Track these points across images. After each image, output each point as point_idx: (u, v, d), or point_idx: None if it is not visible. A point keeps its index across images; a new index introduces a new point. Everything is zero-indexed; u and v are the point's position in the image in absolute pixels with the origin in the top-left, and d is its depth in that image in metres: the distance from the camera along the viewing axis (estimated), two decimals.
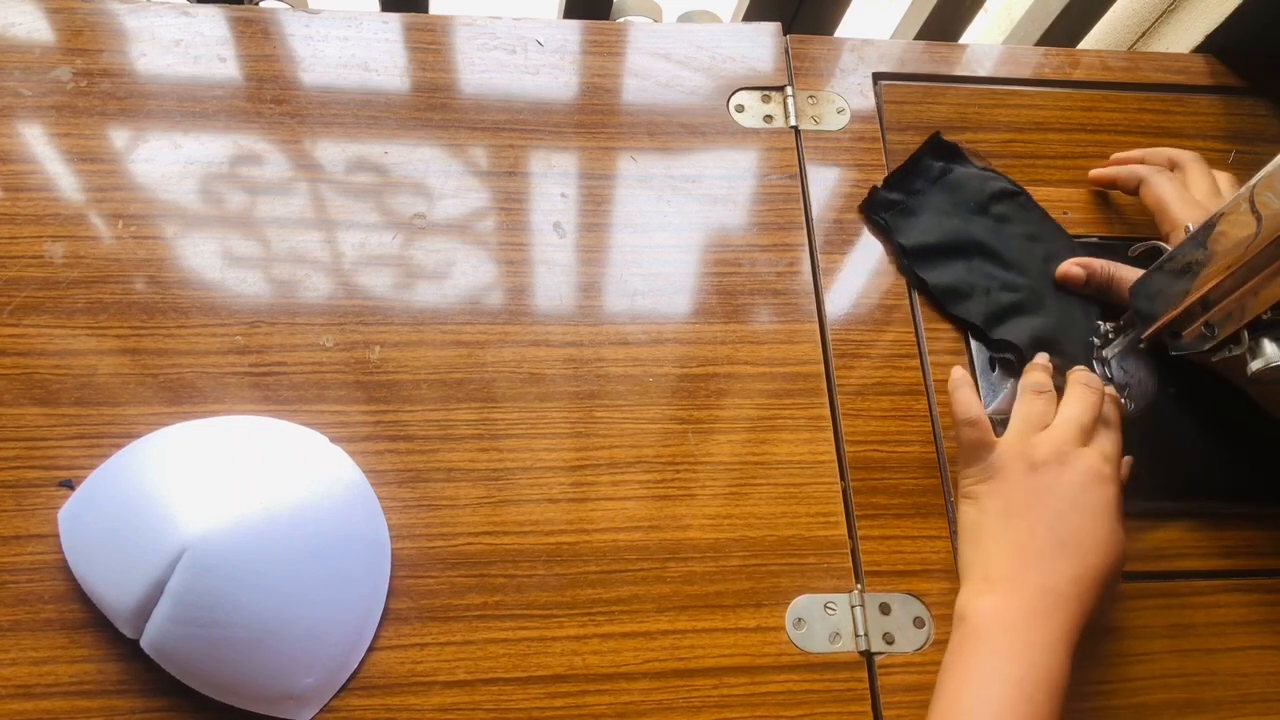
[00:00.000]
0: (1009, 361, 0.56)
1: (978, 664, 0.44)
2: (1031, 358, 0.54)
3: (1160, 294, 0.51)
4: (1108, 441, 0.49)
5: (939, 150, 0.62)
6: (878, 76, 0.66)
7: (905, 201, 0.60)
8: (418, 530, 0.49)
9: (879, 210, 0.60)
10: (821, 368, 0.56)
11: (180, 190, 0.56)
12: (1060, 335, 0.56)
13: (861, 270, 0.59)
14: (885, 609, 0.50)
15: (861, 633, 0.49)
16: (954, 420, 0.51)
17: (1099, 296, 0.58)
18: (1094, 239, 0.61)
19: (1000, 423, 0.54)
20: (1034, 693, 0.42)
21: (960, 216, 0.59)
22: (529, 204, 0.59)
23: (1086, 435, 0.49)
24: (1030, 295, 0.57)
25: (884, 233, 0.60)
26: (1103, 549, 0.46)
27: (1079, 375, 0.52)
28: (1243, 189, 0.44)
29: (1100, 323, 0.57)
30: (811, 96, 0.64)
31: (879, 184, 0.60)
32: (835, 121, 0.63)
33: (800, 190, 0.61)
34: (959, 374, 0.52)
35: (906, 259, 0.58)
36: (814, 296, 0.58)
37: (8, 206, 0.54)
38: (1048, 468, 0.47)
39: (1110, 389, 0.52)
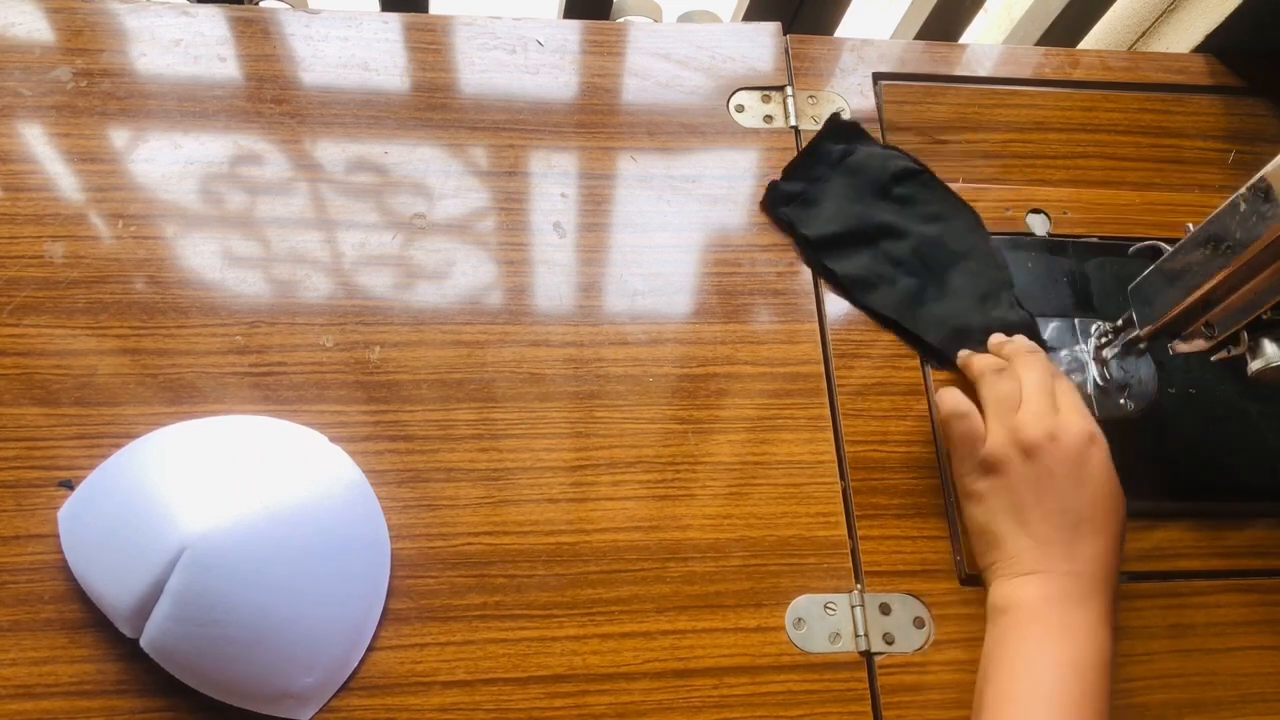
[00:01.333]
0: None
1: (1025, 650, 0.45)
2: (953, 349, 0.55)
3: (1160, 294, 0.51)
4: (1072, 395, 0.50)
5: (838, 132, 0.61)
6: (878, 76, 0.66)
7: (806, 191, 0.59)
8: (418, 530, 0.49)
9: (779, 204, 0.59)
10: (821, 368, 0.56)
11: (180, 190, 0.56)
12: (970, 318, 0.56)
13: None
14: (885, 609, 0.50)
15: (861, 633, 0.49)
16: (941, 417, 0.51)
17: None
18: (1094, 239, 0.61)
19: None
20: (1085, 671, 0.43)
21: (863, 201, 0.59)
22: (529, 204, 0.59)
23: (1053, 397, 0.49)
24: (935, 280, 0.57)
25: (788, 227, 0.59)
26: (1114, 513, 0.47)
27: (1014, 345, 0.53)
28: (1243, 189, 0.44)
29: (1100, 323, 0.57)
30: (811, 96, 0.64)
31: (777, 178, 0.60)
32: None
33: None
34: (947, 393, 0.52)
35: (811, 250, 0.58)
36: (814, 296, 0.58)
37: (8, 206, 0.54)
38: (1040, 449, 0.48)
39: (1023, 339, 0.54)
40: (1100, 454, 0.48)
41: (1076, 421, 0.48)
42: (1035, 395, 0.49)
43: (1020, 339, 0.54)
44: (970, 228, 0.60)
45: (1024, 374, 0.51)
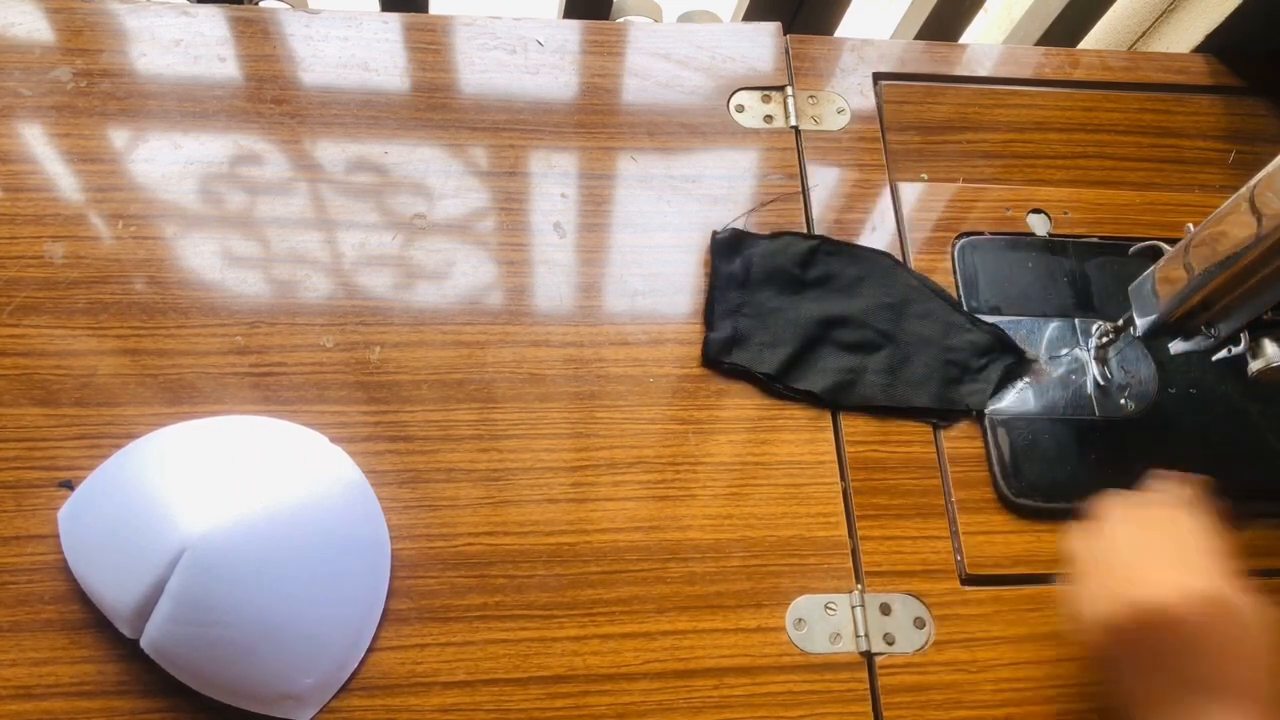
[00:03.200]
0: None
1: None
2: (952, 403, 0.54)
3: (1160, 294, 0.51)
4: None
5: (725, 248, 0.57)
6: (878, 76, 0.66)
7: (736, 330, 0.55)
8: (418, 530, 0.49)
9: (721, 357, 0.55)
10: None
11: (180, 190, 0.56)
12: (946, 359, 0.55)
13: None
14: (886, 609, 0.50)
15: (862, 633, 0.49)
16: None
17: None
18: (1094, 239, 0.61)
19: (1002, 422, 0.54)
20: None
21: (791, 305, 0.56)
22: (529, 204, 0.59)
23: None
24: (895, 343, 0.56)
25: (743, 373, 0.55)
26: None
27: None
28: (1243, 189, 0.44)
29: (1100, 323, 0.57)
30: (812, 96, 0.64)
31: (708, 333, 0.55)
32: (835, 121, 0.63)
33: (800, 190, 0.61)
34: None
35: (779, 383, 0.54)
36: None
37: (8, 206, 0.54)
38: None
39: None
40: None
41: None
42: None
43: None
44: (886, 270, 0.58)
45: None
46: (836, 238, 0.59)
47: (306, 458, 0.49)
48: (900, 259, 0.59)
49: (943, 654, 0.49)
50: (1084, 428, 0.55)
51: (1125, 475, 0.53)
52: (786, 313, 0.56)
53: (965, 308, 0.58)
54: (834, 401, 0.54)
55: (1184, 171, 0.65)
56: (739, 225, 0.58)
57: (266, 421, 0.50)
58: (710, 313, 0.56)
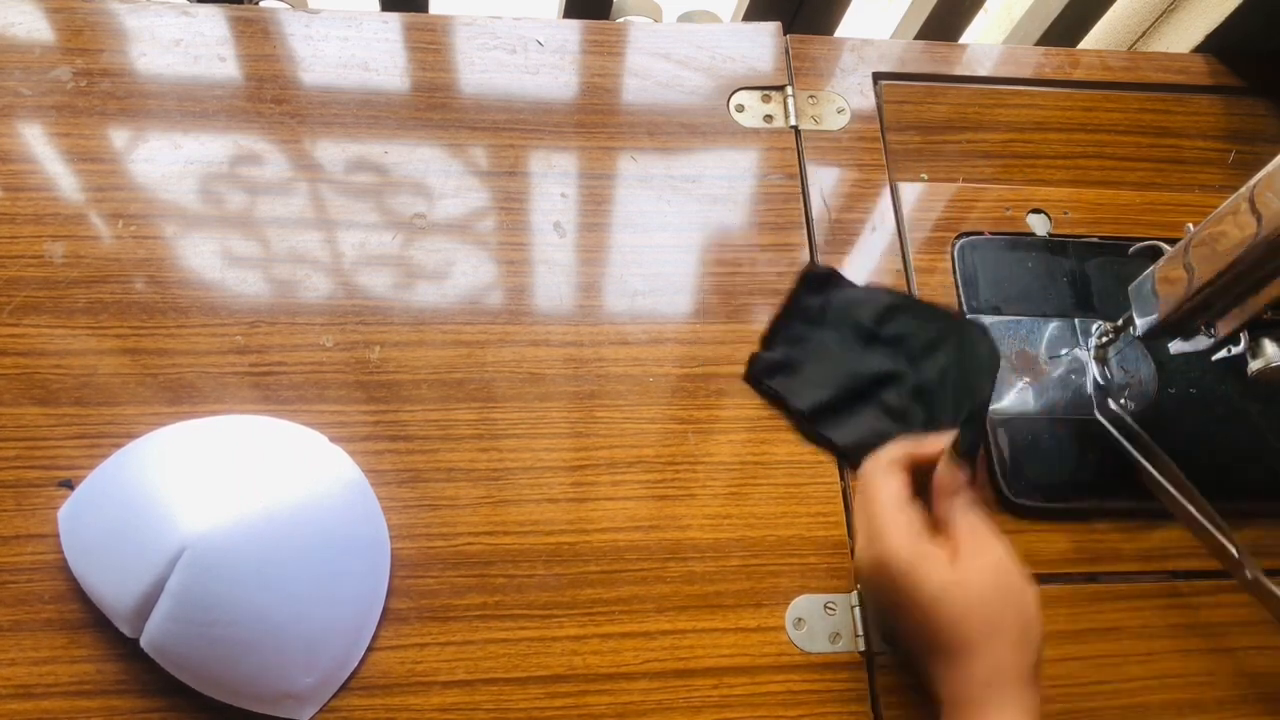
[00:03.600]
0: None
1: None
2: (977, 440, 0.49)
3: (1160, 294, 0.51)
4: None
5: (814, 282, 0.56)
6: (878, 76, 0.66)
7: (789, 357, 0.54)
8: (418, 530, 0.49)
9: (764, 377, 0.54)
10: None
11: (180, 190, 0.56)
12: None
13: (861, 270, 0.59)
14: None
15: (862, 633, 0.49)
16: None
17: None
18: (1094, 239, 0.61)
19: (1002, 422, 0.54)
20: None
21: (852, 353, 0.53)
22: (529, 204, 0.59)
23: None
24: (933, 419, 0.52)
25: (777, 399, 0.54)
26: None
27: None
28: (1243, 189, 0.44)
29: (1100, 323, 0.57)
30: (811, 96, 0.64)
31: (758, 350, 0.54)
32: (835, 121, 0.63)
33: (800, 190, 0.61)
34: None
35: (806, 422, 0.53)
36: None
37: (8, 206, 0.54)
38: None
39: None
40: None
41: None
42: None
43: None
44: (964, 340, 0.53)
45: None
46: (926, 300, 0.56)
47: (306, 457, 0.49)
48: (986, 329, 0.54)
49: None
50: (1084, 428, 0.55)
51: (1125, 475, 0.53)
52: (845, 360, 0.54)
53: (966, 308, 0.58)
54: (851, 458, 0.52)
55: (1184, 171, 0.65)
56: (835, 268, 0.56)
57: (266, 421, 0.50)
58: (771, 333, 0.55)
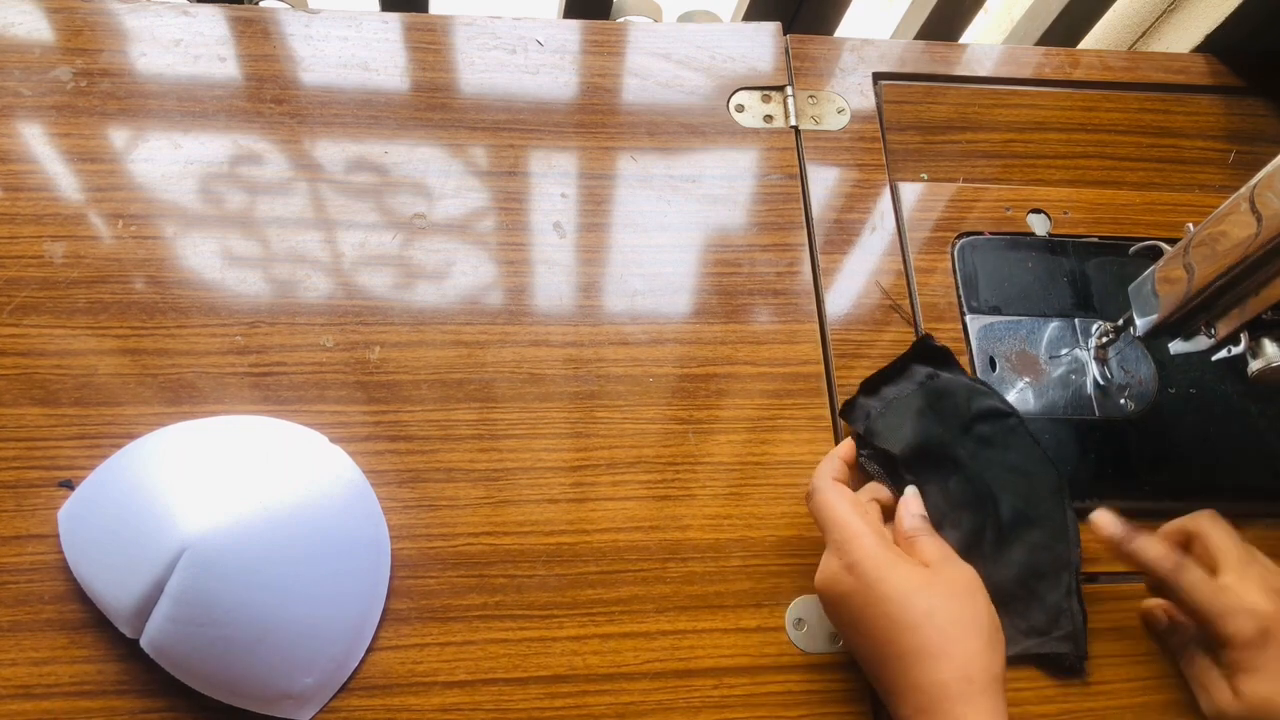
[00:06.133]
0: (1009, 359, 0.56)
1: None
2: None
3: (1160, 294, 0.51)
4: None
5: (927, 355, 0.55)
6: (878, 76, 0.66)
7: (886, 408, 0.52)
8: (418, 530, 0.49)
9: (860, 420, 0.53)
10: (821, 368, 0.56)
11: (180, 190, 0.56)
12: (1014, 591, 0.49)
13: (861, 270, 0.59)
14: None
15: None
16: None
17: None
18: (1094, 239, 0.61)
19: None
20: None
21: (943, 427, 0.51)
22: (529, 204, 0.59)
23: None
24: (993, 539, 0.50)
25: (867, 440, 0.52)
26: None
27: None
28: (1243, 189, 0.44)
29: (1100, 323, 0.57)
30: (812, 96, 0.64)
31: (860, 386, 0.53)
32: (835, 121, 0.63)
33: (800, 190, 0.61)
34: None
35: (900, 467, 0.50)
36: (814, 296, 0.58)
37: (8, 206, 0.54)
38: None
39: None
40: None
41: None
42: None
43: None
44: (1051, 491, 0.51)
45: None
46: (1032, 417, 0.55)
47: (306, 457, 0.49)
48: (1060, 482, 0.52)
49: None
50: (1084, 428, 0.55)
51: (1126, 475, 0.53)
52: (934, 427, 0.51)
53: (966, 309, 0.58)
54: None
55: (1184, 171, 0.65)
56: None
57: (266, 421, 0.50)
58: (871, 382, 0.53)
